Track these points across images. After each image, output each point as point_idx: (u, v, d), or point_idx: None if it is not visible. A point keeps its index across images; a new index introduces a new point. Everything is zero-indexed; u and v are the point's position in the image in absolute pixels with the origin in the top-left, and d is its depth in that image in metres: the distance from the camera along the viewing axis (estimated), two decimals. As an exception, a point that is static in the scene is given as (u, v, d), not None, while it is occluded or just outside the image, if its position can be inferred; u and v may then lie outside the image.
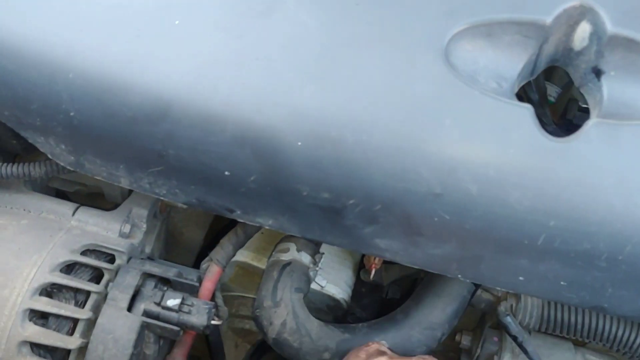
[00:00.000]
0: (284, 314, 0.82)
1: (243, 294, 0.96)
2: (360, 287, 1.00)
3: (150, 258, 0.86)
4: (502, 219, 0.61)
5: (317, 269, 0.87)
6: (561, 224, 0.60)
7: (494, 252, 0.64)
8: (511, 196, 0.60)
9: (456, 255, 0.66)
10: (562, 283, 0.64)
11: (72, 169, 0.74)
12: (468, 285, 0.86)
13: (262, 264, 0.91)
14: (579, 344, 0.90)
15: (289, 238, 0.88)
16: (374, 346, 0.78)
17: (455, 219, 0.62)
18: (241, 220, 0.72)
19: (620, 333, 0.83)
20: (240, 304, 0.96)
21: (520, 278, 0.65)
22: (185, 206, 0.86)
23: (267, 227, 0.71)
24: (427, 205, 0.62)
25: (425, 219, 0.63)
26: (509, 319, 0.84)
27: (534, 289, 0.66)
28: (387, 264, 0.96)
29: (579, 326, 0.85)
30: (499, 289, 0.68)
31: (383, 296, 1.03)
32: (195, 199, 0.72)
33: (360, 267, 0.99)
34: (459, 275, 0.68)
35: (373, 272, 0.92)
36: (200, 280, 0.83)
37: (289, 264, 0.85)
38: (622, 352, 0.85)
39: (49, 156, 0.73)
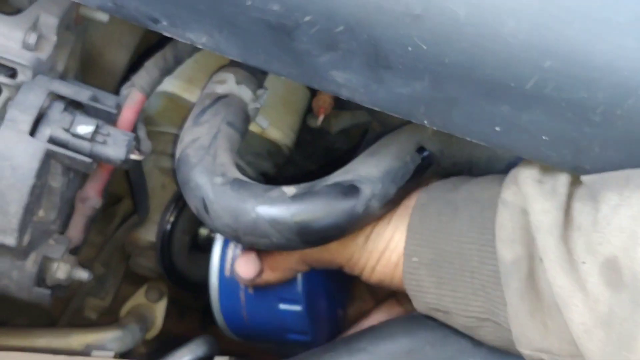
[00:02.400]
0: None
1: (171, 131, 0.84)
2: (305, 134, 0.90)
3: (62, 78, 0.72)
4: (489, 54, 0.50)
5: (259, 106, 0.76)
6: (558, 65, 0.50)
7: (472, 95, 0.54)
8: (505, 26, 0.49)
9: (426, 96, 0.55)
10: (543, 138, 0.55)
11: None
12: (413, 155, 0.72)
13: (193, 97, 0.79)
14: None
15: (227, 68, 0.75)
16: None
17: (433, 50, 0.51)
18: (168, 35, 0.59)
19: None
20: (168, 141, 0.85)
21: (497, 129, 0.56)
22: (105, 19, 0.71)
23: (200, 46, 0.58)
24: (401, 30, 0.51)
25: (397, 47, 0.52)
26: None
27: (510, 142, 0.57)
28: (338, 109, 0.85)
29: None
30: (468, 139, 0.58)
31: (329, 146, 0.93)
32: (112, 2, 0.58)
33: (308, 111, 0.88)
34: (425, 122, 0.58)
35: (321, 117, 0.82)
36: (119, 107, 0.70)
37: (225, 96, 0.73)
38: None
39: None
